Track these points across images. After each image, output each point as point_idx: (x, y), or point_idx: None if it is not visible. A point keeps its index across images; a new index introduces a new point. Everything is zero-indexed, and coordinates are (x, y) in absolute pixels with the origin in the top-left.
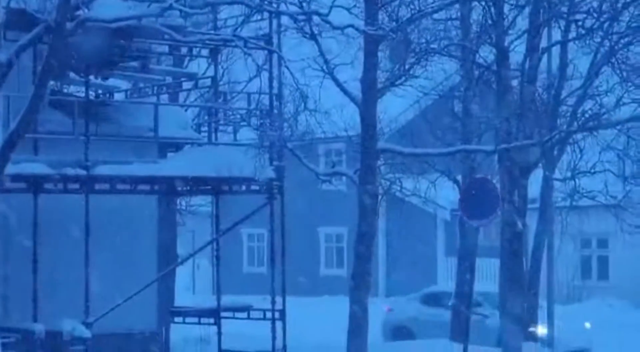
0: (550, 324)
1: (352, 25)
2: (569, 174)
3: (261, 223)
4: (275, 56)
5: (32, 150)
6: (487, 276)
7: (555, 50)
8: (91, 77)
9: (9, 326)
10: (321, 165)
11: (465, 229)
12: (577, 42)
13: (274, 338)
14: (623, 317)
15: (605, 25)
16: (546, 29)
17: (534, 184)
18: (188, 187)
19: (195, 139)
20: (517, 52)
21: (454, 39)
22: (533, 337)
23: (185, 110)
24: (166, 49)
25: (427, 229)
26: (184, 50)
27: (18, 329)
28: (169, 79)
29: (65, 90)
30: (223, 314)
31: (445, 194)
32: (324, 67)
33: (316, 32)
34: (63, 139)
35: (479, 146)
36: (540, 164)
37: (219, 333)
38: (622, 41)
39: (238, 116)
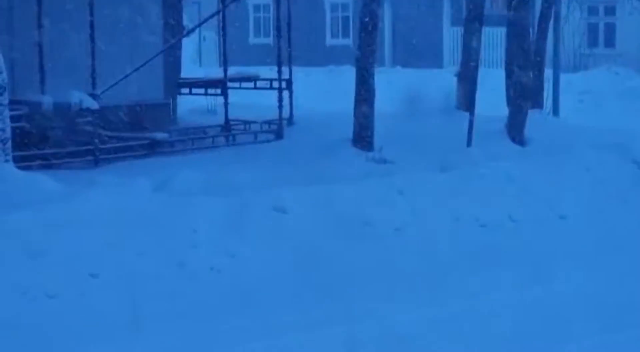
0: (556, 93)
1: None
2: None
3: None
4: None
5: None
6: (494, 45)
7: None
8: None
9: (18, 99)
10: None
11: None
12: None
13: (280, 107)
14: (627, 84)
15: None
16: None
17: None
18: None
19: None
20: None
21: None
22: (539, 105)
23: None
24: None
25: None
26: None
27: (26, 101)
28: None
29: None
30: (229, 84)
31: None
32: None
33: None
34: None
35: None
36: None
37: (226, 103)
38: None
39: None
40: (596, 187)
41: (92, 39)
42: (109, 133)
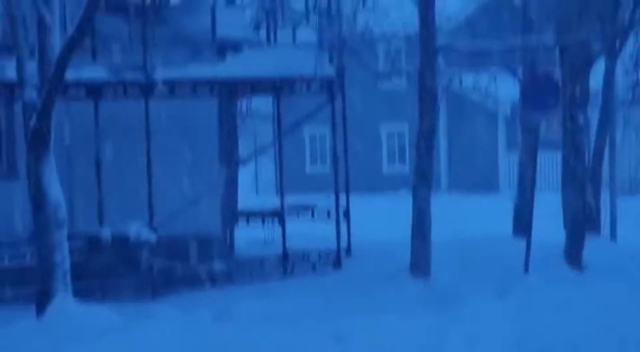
0: (613, 217)
1: None
2: (631, 66)
3: (323, 122)
4: None
5: (90, 56)
6: (549, 170)
7: None
8: None
9: (76, 232)
10: (381, 63)
11: (526, 123)
12: None
13: (338, 237)
14: None
15: None
16: None
17: (596, 76)
18: (248, 89)
19: (254, 39)
20: None
21: None
22: (596, 229)
23: (244, 10)
24: None
25: (488, 123)
26: None
27: (85, 234)
28: None
29: None
30: (287, 214)
31: (506, 89)
32: None
33: None
34: (121, 43)
35: (539, 39)
36: (602, 56)
37: (284, 234)
38: None
39: (297, 15)
40: None
41: (148, 171)
42: (166, 264)
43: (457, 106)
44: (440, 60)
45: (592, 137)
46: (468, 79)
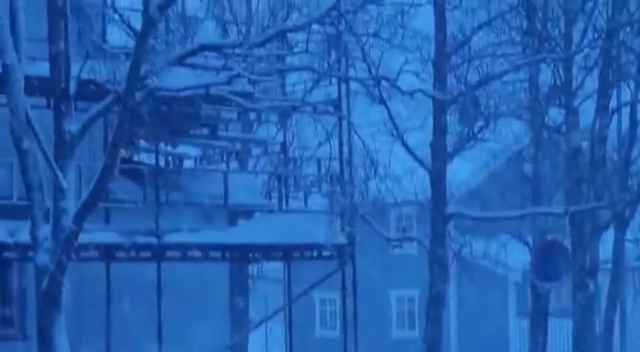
0: None
1: (421, 90)
2: None
3: (333, 287)
4: (344, 121)
5: (103, 219)
6: (560, 338)
7: (625, 111)
8: (161, 145)
9: None
10: (392, 230)
11: (536, 291)
12: None
13: None
14: None
15: None
16: (615, 89)
17: (605, 245)
18: (259, 254)
19: (265, 206)
20: (587, 114)
21: (523, 101)
22: None
23: (255, 176)
24: (235, 115)
25: (498, 291)
26: (252, 116)
27: None
28: (238, 145)
29: (135, 158)
30: None
31: (516, 256)
32: (394, 132)
33: (385, 96)
34: (134, 207)
35: (549, 209)
36: (611, 226)
37: None
38: None
39: (308, 182)
40: None
41: (159, 332)
42: None
43: (467, 272)
44: (451, 227)
45: (603, 305)
46: (478, 246)
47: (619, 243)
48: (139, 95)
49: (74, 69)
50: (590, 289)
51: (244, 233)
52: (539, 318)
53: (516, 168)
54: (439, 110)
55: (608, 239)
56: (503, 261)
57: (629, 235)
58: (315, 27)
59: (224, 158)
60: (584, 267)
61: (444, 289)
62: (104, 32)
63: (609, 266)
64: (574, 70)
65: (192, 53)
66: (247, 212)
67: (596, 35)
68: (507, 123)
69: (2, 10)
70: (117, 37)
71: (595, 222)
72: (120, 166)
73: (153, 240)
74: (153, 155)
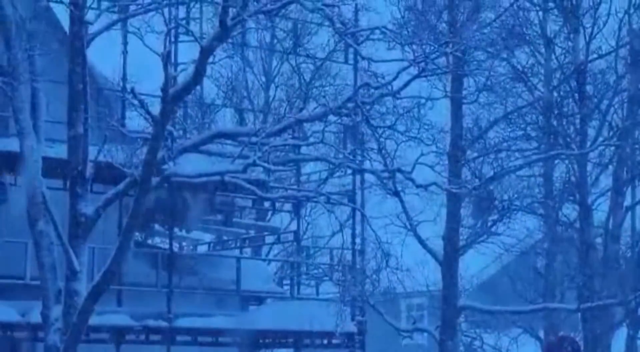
0: None
1: (435, 183)
2: None
3: None
4: (358, 212)
5: (115, 301)
6: None
7: None
8: (175, 230)
9: None
10: (402, 320)
11: None
12: None
13: None
14: None
15: None
16: (630, 187)
17: (618, 342)
18: (270, 340)
19: (277, 293)
20: (601, 210)
21: (537, 196)
22: None
23: (268, 263)
24: (249, 203)
25: None
26: (267, 204)
27: None
28: (252, 232)
29: (149, 242)
30: None
31: (528, 350)
32: (407, 224)
33: (399, 188)
34: (146, 290)
35: (561, 304)
36: (624, 323)
37: None
38: None
39: (320, 271)
40: None
41: None
42: None
43: None
44: (462, 319)
45: None
46: (489, 340)
47: (631, 340)
48: (155, 180)
49: (92, 152)
50: None
51: (256, 319)
52: None
53: (529, 262)
54: (453, 203)
55: (621, 336)
56: None
57: None
58: (331, 117)
59: (238, 244)
60: None
61: None
62: (122, 117)
63: None
64: (589, 166)
65: (209, 140)
66: (259, 299)
67: (611, 133)
68: (520, 217)
69: (24, 93)
70: (135, 122)
71: (608, 319)
72: (134, 249)
73: (164, 324)
74: (167, 240)
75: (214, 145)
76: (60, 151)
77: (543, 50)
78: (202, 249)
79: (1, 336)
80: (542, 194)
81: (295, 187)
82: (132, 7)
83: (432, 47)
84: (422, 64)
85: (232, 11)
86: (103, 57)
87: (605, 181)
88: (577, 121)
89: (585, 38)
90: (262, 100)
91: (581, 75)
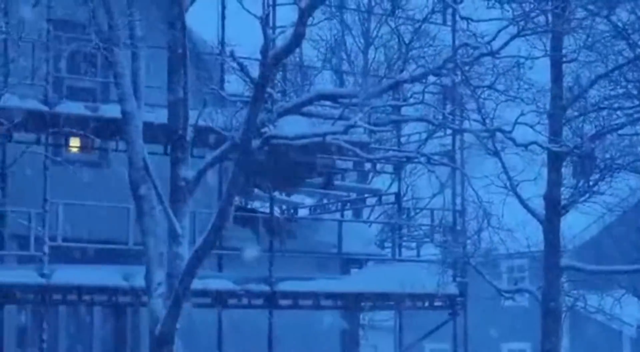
0: None
1: (535, 142)
2: None
3: (444, 338)
4: (458, 173)
5: (217, 266)
6: None
7: None
8: (276, 194)
9: None
10: (504, 281)
11: None
12: None
13: None
14: None
15: None
16: None
17: None
18: (371, 303)
19: (378, 255)
20: None
21: None
22: None
23: (369, 226)
24: (350, 165)
25: (612, 346)
26: (367, 166)
27: None
28: (352, 195)
29: (250, 206)
30: None
31: (631, 311)
32: (507, 184)
33: (499, 148)
34: (247, 255)
35: None
36: None
37: None
38: None
39: (421, 232)
40: None
41: None
42: None
43: (580, 327)
44: (564, 280)
45: None
46: (592, 300)
47: None
48: (255, 143)
49: (192, 117)
50: None
51: (357, 282)
52: None
53: (632, 222)
54: (554, 162)
55: None
56: (617, 316)
57: None
58: (431, 78)
59: (339, 207)
60: None
61: (557, 343)
62: (222, 80)
63: None
64: None
65: (310, 102)
66: (360, 261)
67: None
68: (623, 176)
69: (124, 59)
70: (234, 85)
71: None
72: (234, 214)
73: (266, 288)
74: (267, 204)
75: (314, 107)
76: (160, 116)
77: None
78: (303, 212)
79: (106, 300)
80: None
81: (395, 148)
82: None
83: (532, 5)
84: (522, 23)
85: None
86: (202, 21)
87: None
88: None
89: None
90: (361, 62)
91: None
